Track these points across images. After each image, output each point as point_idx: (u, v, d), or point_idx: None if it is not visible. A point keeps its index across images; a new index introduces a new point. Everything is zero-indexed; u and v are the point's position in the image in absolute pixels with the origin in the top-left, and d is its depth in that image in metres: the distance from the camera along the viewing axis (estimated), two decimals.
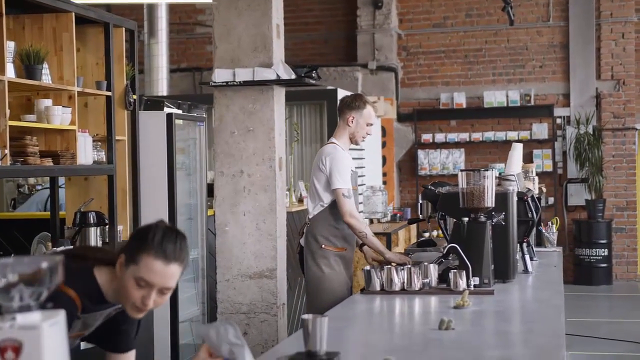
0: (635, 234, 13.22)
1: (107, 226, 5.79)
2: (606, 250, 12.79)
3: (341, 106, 5.62)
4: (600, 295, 12.30)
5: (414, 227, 11.57)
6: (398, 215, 11.32)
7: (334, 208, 5.40)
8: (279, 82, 6.05)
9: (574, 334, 9.03)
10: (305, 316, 2.82)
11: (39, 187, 9.05)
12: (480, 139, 13.30)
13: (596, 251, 12.77)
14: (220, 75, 6.06)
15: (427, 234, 12.43)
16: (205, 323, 7.15)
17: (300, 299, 7.76)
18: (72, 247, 4.55)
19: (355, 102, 5.55)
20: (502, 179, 5.37)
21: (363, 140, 5.67)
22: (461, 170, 4.63)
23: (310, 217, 5.55)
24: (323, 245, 5.43)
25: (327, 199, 5.41)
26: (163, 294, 2.72)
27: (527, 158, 12.96)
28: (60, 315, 1.84)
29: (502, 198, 4.73)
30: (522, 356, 3.09)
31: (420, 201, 5.34)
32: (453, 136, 13.40)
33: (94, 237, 5.61)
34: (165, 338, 6.56)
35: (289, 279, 6.78)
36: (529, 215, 5.23)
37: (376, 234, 9.40)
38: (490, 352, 3.17)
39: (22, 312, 1.80)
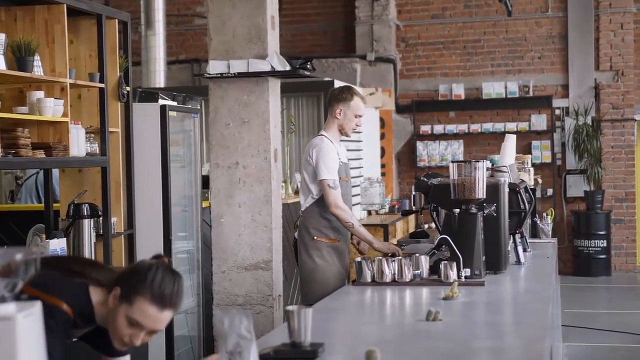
0: (634, 225, 13.21)
1: (100, 218, 5.79)
2: (605, 241, 12.79)
3: (329, 98, 5.65)
4: (599, 286, 12.31)
5: (412, 218, 11.57)
6: (396, 206, 11.32)
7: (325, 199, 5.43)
8: (273, 73, 6.05)
9: (571, 325, 9.04)
10: (290, 308, 2.84)
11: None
12: (479, 130, 13.29)
13: (595, 242, 12.77)
14: (215, 66, 6.06)
15: (426, 226, 12.44)
16: (201, 314, 7.16)
17: (297, 291, 7.77)
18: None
19: (343, 94, 5.56)
20: (494, 170, 5.37)
21: (354, 131, 5.67)
22: (452, 162, 4.63)
23: (302, 209, 5.57)
24: (315, 237, 5.45)
25: (316, 191, 5.44)
26: (152, 334, 2.74)
27: (526, 149, 12.95)
28: (36, 307, 1.84)
29: (493, 189, 4.73)
30: (506, 347, 3.09)
31: (413, 193, 5.34)
32: (452, 127, 13.39)
33: (88, 228, 5.61)
34: None
35: (284, 270, 6.78)
36: (521, 206, 5.23)
37: (374, 225, 9.47)
38: (475, 342, 3.18)
39: None
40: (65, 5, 5.38)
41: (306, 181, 5.52)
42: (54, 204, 6.01)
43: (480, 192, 4.56)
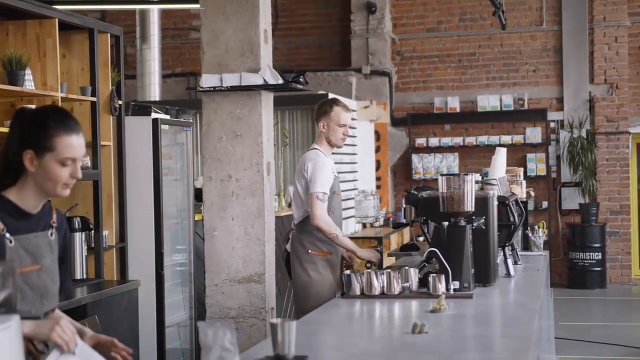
0: (629, 238, 13.22)
1: (92, 231, 5.80)
2: (600, 254, 12.80)
3: (314, 114, 5.78)
4: (594, 299, 12.31)
5: (406, 231, 11.59)
6: (391, 219, 11.33)
7: None
8: (266, 87, 6.07)
9: (565, 337, 9.04)
10: (273, 320, 2.85)
11: None
12: (474, 143, 13.32)
13: (590, 255, 12.77)
14: (207, 80, 6.08)
15: (421, 239, 12.45)
16: (193, 327, 7.17)
17: (290, 304, 7.77)
18: None
19: (323, 107, 5.70)
20: (484, 183, 5.39)
21: (343, 141, 5.73)
22: (441, 175, 4.65)
23: (295, 222, 5.61)
24: (310, 251, 5.48)
25: None
26: (79, 162, 2.84)
27: (521, 162, 12.98)
28: (14, 320, 1.85)
29: (482, 202, 4.74)
30: (491, 359, 3.10)
31: (404, 205, 5.37)
32: (447, 140, 13.42)
33: (79, 242, 5.62)
34: (152, 343, 6.57)
35: (277, 283, 6.79)
36: (511, 219, 5.24)
37: (368, 238, 9.48)
38: (460, 355, 3.18)
39: None
40: (57, 20, 5.41)
41: (300, 194, 5.57)
42: None
43: (469, 205, 4.57)
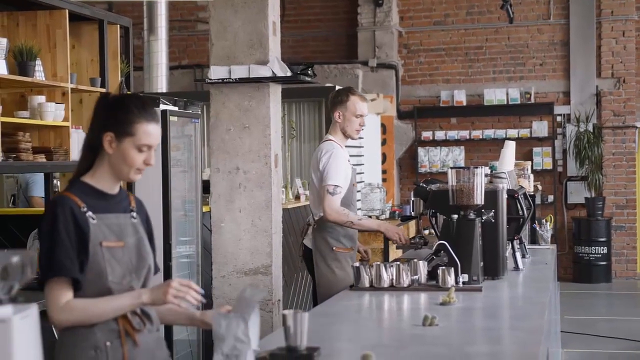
0: (634, 232, 13.22)
1: None
2: (605, 248, 12.80)
3: (328, 104, 5.62)
4: (600, 293, 12.31)
5: (412, 224, 11.58)
6: (397, 212, 11.32)
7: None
8: (274, 79, 6.07)
9: (571, 331, 9.05)
10: (286, 312, 2.85)
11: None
12: (481, 137, 13.31)
13: (595, 249, 12.78)
14: (216, 72, 6.08)
15: (426, 232, 12.45)
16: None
17: (296, 296, 7.78)
18: None
19: (339, 96, 5.53)
20: (493, 176, 5.38)
21: (358, 133, 5.58)
22: (451, 168, 4.65)
23: (316, 217, 5.47)
24: (334, 247, 5.38)
25: None
26: (154, 150, 2.98)
27: (527, 156, 12.96)
28: (32, 309, 1.86)
29: (491, 195, 4.74)
30: (502, 352, 3.11)
31: (412, 198, 5.35)
32: (453, 134, 13.41)
33: None
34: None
35: (284, 275, 6.79)
36: (520, 212, 5.24)
37: (374, 230, 9.43)
38: (472, 347, 3.19)
39: None
40: (67, 11, 5.41)
41: (317, 188, 5.45)
42: None
43: (479, 198, 4.57)
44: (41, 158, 5.12)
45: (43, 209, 6.12)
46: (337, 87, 10.68)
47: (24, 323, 1.82)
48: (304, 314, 2.85)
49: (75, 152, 5.44)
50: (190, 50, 14.24)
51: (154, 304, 2.94)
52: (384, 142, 12.90)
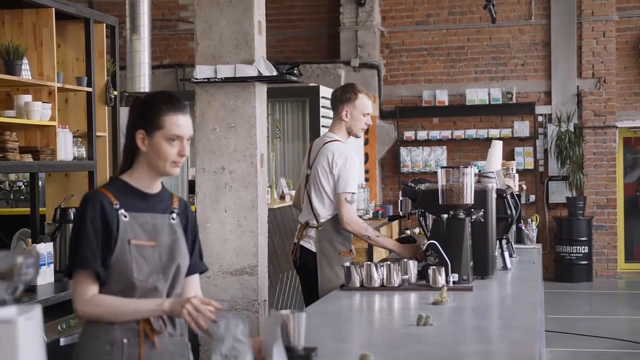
0: (615, 232, 13.30)
1: None
2: (586, 247, 12.87)
3: (333, 100, 5.40)
4: (581, 292, 12.37)
5: (395, 224, 11.60)
6: (380, 212, 11.33)
7: None
8: (260, 78, 6.05)
9: (553, 330, 9.08)
10: (284, 312, 2.84)
11: (20, 184, 9.01)
12: (463, 137, 13.34)
13: (577, 248, 12.84)
14: (201, 71, 6.06)
15: (408, 231, 12.47)
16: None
17: (282, 296, 7.77)
18: None
19: (346, 94, 5.31)
20: (481, 176, 5.39)
21: (363, 132, 5.44)
22: (441, 167, 4.65)
23: (321, 220, 5.26)
24: (341, 252, 5.23)
25: None
26: (187, 142, 3.02)
27: (509, 156, 13.01)
28: (36, 310, 1.84)
29: (481, 195, 4.74)
30: (498, 351, 3.11)
31: (401, 198, 5.33)
32: (435, 134, 13.44)
33: None
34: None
35: (270, 275, 6.78)
36: (508, 212, 5.25)
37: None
38: (467, 347, 3.20)
39: None
40: (53, 9, 5.36)
41: (326, 191, 5.21)
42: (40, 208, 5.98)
43: (469, 198, 4.57)
44: (28, 158, 5.08)
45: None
46: (323, 88, 10.70)
47: (29, 324, 1.80)
48: (301, 314, 2.84)
49: (61, 152, 5.40)
50: (172, 50, 14.20)
51: (171, 313, 2.96)
52: (366, 142, 12.90)
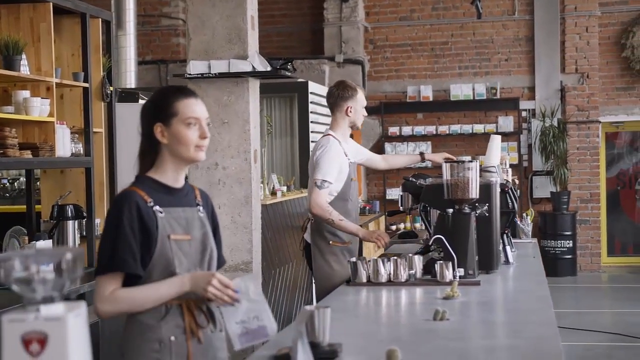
0: (598, 226, 13.38)
1: (84, 219, 5.72)
2: (571, 241, 12.93)
3: (333, 99, 5.53)
4: (565, 286, 12.43)
5: (382, 219, 11.61)
6: (367, 208, 11.34)
7: (338, 202, 5.34)
8: (254, 74, 6.02)
9: None
10: (309, 307, 2.81)
11: (4, 181, 8.93)
12: (447, 132, 13.35)
13: (561, 243, 12.90)
14: (195, 67, 6.02)
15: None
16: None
17: (275, 292, 7.74)
18: None
19: (347, 91, 5.52)
20: (483, 170, 5.39)
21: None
22: (445, 162, 4.64)
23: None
24: (331, 242, 5.36)
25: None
26: (206, 125, 3.01)
27: None
28: (83, 307, 1.81)
29: (485, 189, 4.74)
30: (521, 345, 3.09)
31: (401, 193, 5.33)
32: (420, 129, 13.44)
33: (72, 230, 5.54)
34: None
35: (263, 272, 6.76)
36: (510, 206, 5.26)
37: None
38: (488, 341, 3.19)
39: (45, 304, 1.77)
40: (51, 4, 5.30)
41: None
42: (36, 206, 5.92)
43: (474, 192, 4.57)
44: (27, 154, 5.02)
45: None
46: (311, 84, 10.65)
47: (78, 320, 1.78)
48: (326, 309, 2.82)
49: (60, 148, 5.34)
50: (154, 46, 14.10)
51: (195, 292, 2.92)
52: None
